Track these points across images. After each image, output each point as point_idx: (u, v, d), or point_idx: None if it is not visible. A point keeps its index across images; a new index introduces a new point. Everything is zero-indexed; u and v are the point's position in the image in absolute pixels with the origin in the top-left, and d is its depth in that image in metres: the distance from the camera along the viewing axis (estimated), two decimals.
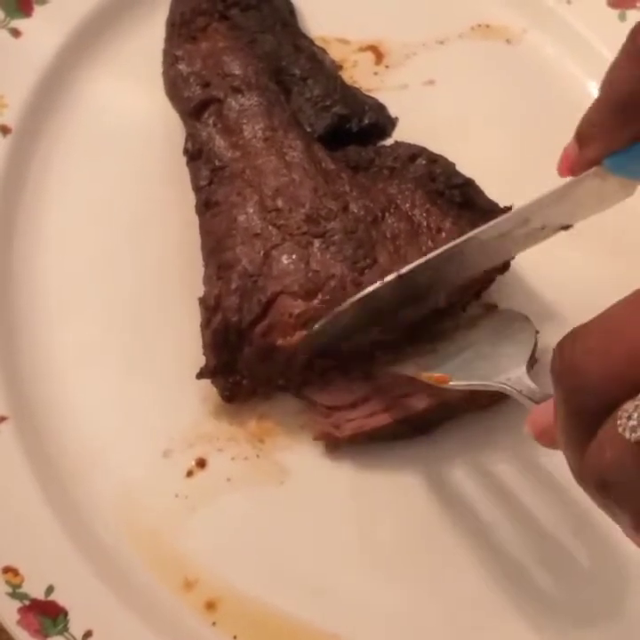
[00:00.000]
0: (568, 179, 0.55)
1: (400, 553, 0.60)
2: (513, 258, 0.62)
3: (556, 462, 0.58)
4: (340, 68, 0.76)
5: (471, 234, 0.56)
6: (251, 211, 0.63)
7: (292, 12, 0.76)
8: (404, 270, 0.57)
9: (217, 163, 0.66)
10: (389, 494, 0.61)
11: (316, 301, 0.59)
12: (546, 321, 0.64)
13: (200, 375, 0.62)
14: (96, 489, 0.60)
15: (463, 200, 0.62)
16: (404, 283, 0.57)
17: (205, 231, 0.65)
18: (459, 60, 0.78)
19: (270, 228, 0.62)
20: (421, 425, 0.62)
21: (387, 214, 0.61)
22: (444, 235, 0.60)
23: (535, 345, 0.55)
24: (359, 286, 0.59)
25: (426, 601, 0.58)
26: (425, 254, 0.59)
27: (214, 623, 0.57)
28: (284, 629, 0.57)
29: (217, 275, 0.62)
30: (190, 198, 0.67)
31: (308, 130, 0.67)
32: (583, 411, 0.35)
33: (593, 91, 0.76)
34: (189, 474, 0.61)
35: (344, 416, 0.61)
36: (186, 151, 0.68)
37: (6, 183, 0.69)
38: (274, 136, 0.65)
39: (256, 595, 0.58)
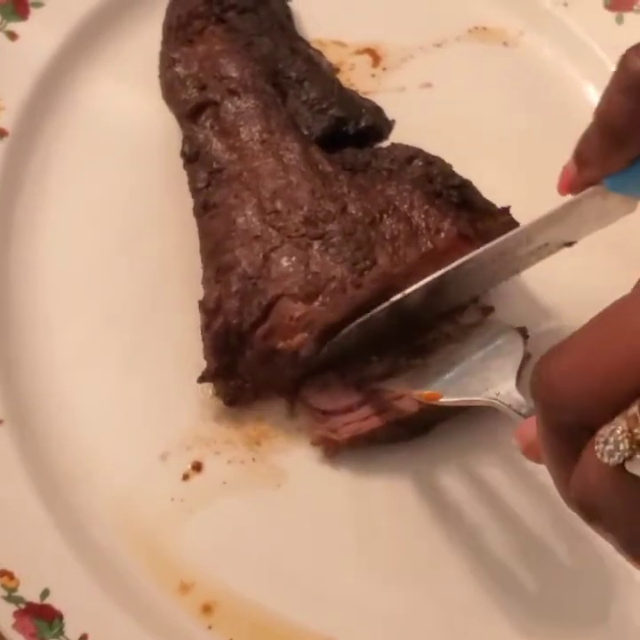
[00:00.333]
0: (569, 197, 0.55)
1: (396, 556, 0.60)
2: (518, 274, 0.62)
3: None
4: (337, 70, 0.75)
5: (474, 253, 0.57)
6: (249, 213, 0.62)
7: (289, 15, 0.76)
8: (403, 294, 0.57)
9: (214, 165, 0.66)
10: (385, 497, 0.61)
11: (316, 303, 0.59)
12: (543, 324, 0.64)
13: (201, 379, 0.62)
14: (92, 492, 0.60)
15: (461, 200, 0.62)
16: (402, 306, 0.58)
17: (204, 233, 0.65)
18: (456, 62, 0.78)
19: (269, 230, 0.61)
20: (417, 426, 0.62)
21: (385, 215, 0.61)
22: (442, 235, 0.60)
23: (523, 358, 0.55)
24: (359, 288, 0.59)
25: (421, 604, 0.58)
26: (424, 255, 0.59)
27: (210, 627, 0.57)
28: (281, 632, 0.57)
29: (216, 277, 0.62)
30: (188, 200, 0.67)
31: (305, 132, 0.67)
32: (562, 428, 0.36)
33: (590, 93, 0.76)
34: (186, 477, 0.61)
35: (340, 420, 0.61)
36: (183, 154, 0.68)
37: (4, 186, 0.69)
38: (271, 138, 0.65)
39: (252, 598, 0.58)
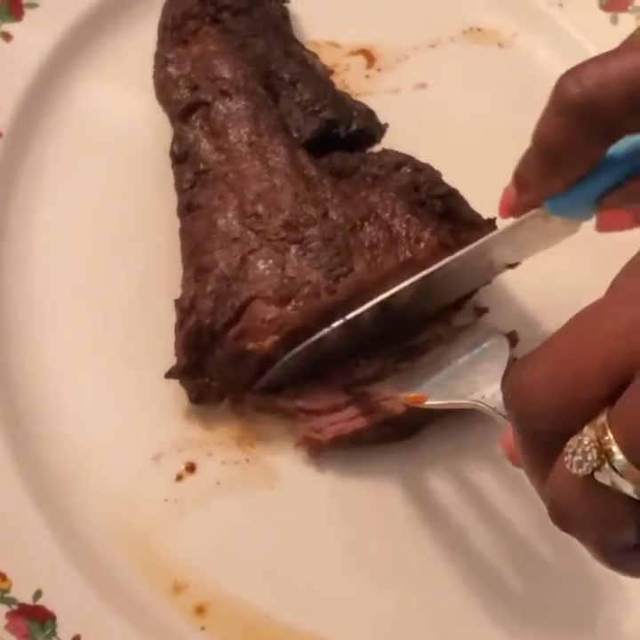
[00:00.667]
0: (511, 220, 0.55)
1: (387, 558, 0.60)
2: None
3: None
4: (332, 72, 0.75)
5: (420, 276, 0.56)
6: (230, 215, 0.63)
7: (285, 16, 0.76)
8: (354, 314, 0.57)
9: (201, 166, 0.66)
10: (377, 499, 0.61)
11: (289, 308, 0.59)
12: (531, 324, 0.64)
13: (169, 374, 0.62)
14: (86, 493, 0.60)
15: (445, 210, 0.62)
16: (385, 308, 0.58)
17: (185, 234, 0.65)
18: (451, 63, 0.78)
19: (248, 232, 0.62)
20: (404, 428, 0.62)
21: (366, 223, 0.61)
22: (422, 245, 0.60)
23: (509, 361, 0.55)
24: (333, 294, 0.59)
25: (412, 605, 0.59)
26: (402, 263, 0.59)
27: (203, 628, 0.57)
28: (273, 634, 0.57)
29: (194, 278, 0.62)
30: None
31: (296, 134, 0.67)
32: (536, 436, 0.36)
33: None
34: (179, 478, 0.61)
35: (325, 420, 0.61)
36: (172, 154, 0.68)
37: None
38: (259, 141, 0.65)
39: (245, 599, 0.58)
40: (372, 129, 0.70)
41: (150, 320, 0.65)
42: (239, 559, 0.59)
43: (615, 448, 0.32)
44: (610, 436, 0.32)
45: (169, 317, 0.64)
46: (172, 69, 0.71)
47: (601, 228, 0.51)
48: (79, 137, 0.72)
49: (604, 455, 0.32)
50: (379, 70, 0.77)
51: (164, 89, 0.71)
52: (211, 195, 0.64)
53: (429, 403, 0.55)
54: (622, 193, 0.48)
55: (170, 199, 0.68)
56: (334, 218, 0.61)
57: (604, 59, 0.45)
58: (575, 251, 0.63)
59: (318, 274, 0.59)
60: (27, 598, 0.56)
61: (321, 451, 0.62)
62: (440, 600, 0.59)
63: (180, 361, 0.61)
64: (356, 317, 0.58)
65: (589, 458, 0.33)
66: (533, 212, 0.52)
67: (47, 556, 0.57)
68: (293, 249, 0.60)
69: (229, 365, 0.60)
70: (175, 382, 0.63)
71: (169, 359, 0.63)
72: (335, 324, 0.58)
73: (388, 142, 0.69)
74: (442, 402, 0.55)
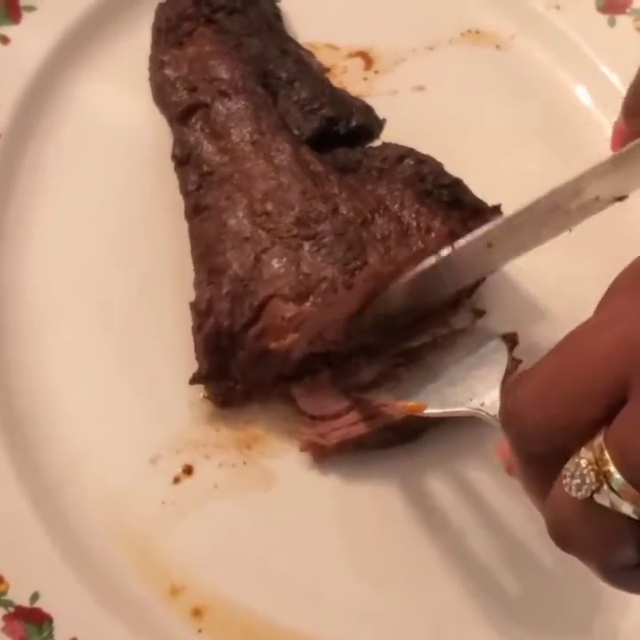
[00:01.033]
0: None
1: (385, 560, 0.60)
2: (570, 230, 0.59)
3: None
4: (328, 70, 0.75)
5: (524, 206, 0.55)
6: (240, 215, 0.62)
7: (277, 15, 0.76)
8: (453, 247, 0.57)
9: (205, 168, 0.65)
10: (375, 502, 0.61)
11: (307, 304, 0.59)
12: (533, 324, 0.64)
13: (193, 380, 0.62)
14: (82, 495, 0.60)
15: (452, 199, 0.62)
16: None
17: (195, 236, 0.65)
18: (448, 65, 0.78)
19: (260, 231, 0.61)
20: (406, 432, 0.61)
21: (376, 215, 0.61)
22: (433, 234, 0.60)
23: (508, 366, 0.55)
24: (350, 288, 0.58)
25: (410, 608, 0.58)
26: (415, 254, 0.59)
27: (200, 630, 0.57)
28: (271, 636, 0.57)
29: (208, 279, 0.61)
30: (179, 203, 0.67)
31: (296, 133, 0.67)
32: (532, 456, 0.36)
33: (582, 96, 0.76)
34: (176, 480, 0.61)
35: (329, 425, 0.61)
36: (174, 156, 0.68)
37: None
38: (261, 140, 0.65)
39: (243, 601, 0.58)
40: (370, 124, 0.69)
41: (150, 321, 0.65)
42: (236, 562, 0.59)
43: (613, 468, 0.33)
44: (607, 456, 0.33)
45: (168, 318, 0.64)
46: (168, 71, 0.71)
47: None
48: (78, 138, 0.72)
49: (603, 477, 0.33)
50: (376, 72, 0.77)
51: (161, 91, 0.71)
52: (217, 196, 0.64)
53: (428, 411, 0.55)
54: None
55: (170, 199, 0.68)
56: (344, 212, 0.61)
57: None
58: (575, 252, 0.63)
59: (333, 269, 0.59)
60: (24, 601, 0.55)
61: (325, 455, 0.61)
62: (439, 603, 0.59)
63: (201, 366, 0.61)
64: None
65: (588, 480, 0.33)
66: None
67: (44, 559, 0.57)
68: (306, 245, 0.60)
69: (252, 366, 0.60)
70: (172, 384, 0.63)
71: (168, 360, 0.63)
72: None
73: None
74: (441, 410, 0.55)
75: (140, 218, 0.69)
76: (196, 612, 0.57)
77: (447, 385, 0.56)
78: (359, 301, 0.59)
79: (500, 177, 0.70)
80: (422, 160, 0.64)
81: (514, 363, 0.59)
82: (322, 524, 0.60)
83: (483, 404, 0.51)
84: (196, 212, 0.65)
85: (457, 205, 0.62)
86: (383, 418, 0.60)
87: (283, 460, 0.62)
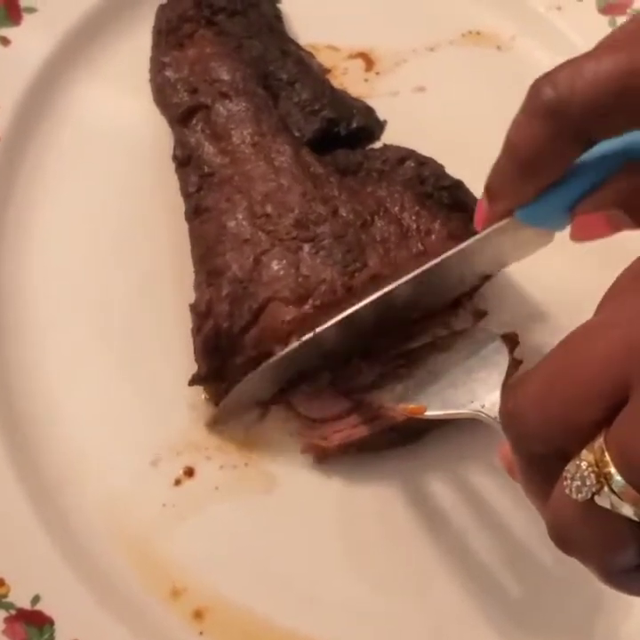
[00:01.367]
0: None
1: (386, 561, 0.60)
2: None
3: None
4: (328, 71, 0.75)
5: (387, 289, 0.55)
6: (240, 217, 0.62)
7: (278, 17, 0.76)
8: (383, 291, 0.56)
9: (206, 169, 0.65)
10: (376, 504, 0.61)
11: (306, 307, 0.59)
12: (534, 324, 0.63)
13: (192, 382, 0.61)
14: (83, 497, 0.60)
15: (452, 202, 0.62)
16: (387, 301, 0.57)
17: (195, 238, 0.65)
18: (449, 66, 0.78)
19: (259, 233, 0.61)
20: (407, 433, 0.61)
21: (376, 217, 0.61)
22: (433, 237, 0.60)
23: (509, 368, 0.54)
24: (350, 290, 0.58)
25: (410, 611, 0.58)
26: (415, 256, 0.59)
27: (201, 633, 0.57)
28: (272, 638, 0.57)
29: (207, 281, 0.61)
30: (179, 204, 0.67)
31: (297, 134, 0.67)
32: (534, 459, 0.36)
33: None
34: (177, 482, 0.61)
35: (330, 427, 0.61)
36: (175, 158, 0.68)
37: None
38: (262, 141, 0.65)
39: (244, 603, 0.58)
40: (371, 126, 0.69)
41: (150, 322, 0.65)
42: (237, 563, 0.59)
43: (613, 470, 0.32)
44: (607, 458, 0.33)
45: (168, 320, 0.64)
46: (169, 73, 0.70)
47: (575, 236, 0.49)
48: (78, 139, 0.72)
49: (603, 478, 0.33)
50: (377, 74, 0.77)
51: (162, 93, 0.71)
52: (218, 197, 0.64)
53: (429, 413, 0.55)
54: (595, 199, 0.47)
55: (170, 201, 0.68)
56: (344, 214, 0.61)
57: (578, 61, 0.44)
58: (575, 252, 0.63)
59: (333, 271, 0.59)
60: (25, 603, 0.55)
61: (326, 457, 0.61)
62: (439, 605, 0.59)
63: (200, 368, 0.61)
64: (353, 315, 0.56)
65: (588, 482, 0.33)
66: (504, 222, 0.51)
67: (45, 561, 0.57)
68: (306, 247, 0.60)
69: (251, 369, 0.60)
70: (173, 385, 0.63)
71: (168, 361, 0.63)
72: (324, 327, 0.56)
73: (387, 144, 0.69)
74: (441, 412, 0.54)
75: (139, 219, 0.69)
76: (197, 614, 0.57)
77: (448, 387, 0.56)
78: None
79: None
80: (423, 162, 0.64)
81: (515, 363, 0.59)
82: (323, 526, 0.60)
83: (483, 406, 0.51)
84: (196, 213, 0.65)
85: (458, 207, 0.62)
86: (385, 419, 0.60)
87: (284, 462, 0.62)
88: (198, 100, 0.68)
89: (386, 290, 0.55)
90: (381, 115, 0.71)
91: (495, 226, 0.51)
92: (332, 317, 0.58)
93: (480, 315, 0.64)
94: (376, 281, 0.59)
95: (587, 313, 0.38)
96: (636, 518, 0.33)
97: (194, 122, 0.67)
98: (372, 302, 0.55)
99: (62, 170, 0.71)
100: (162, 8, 0.75)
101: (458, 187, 0.63)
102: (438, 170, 0.64)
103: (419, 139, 0.68)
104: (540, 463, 0.36)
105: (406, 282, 0.55)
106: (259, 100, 0.67)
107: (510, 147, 0.48)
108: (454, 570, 0.59)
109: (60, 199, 0.70)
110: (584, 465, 0.33)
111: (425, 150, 0.66)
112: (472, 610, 0.58)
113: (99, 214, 0.69)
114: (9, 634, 0.55)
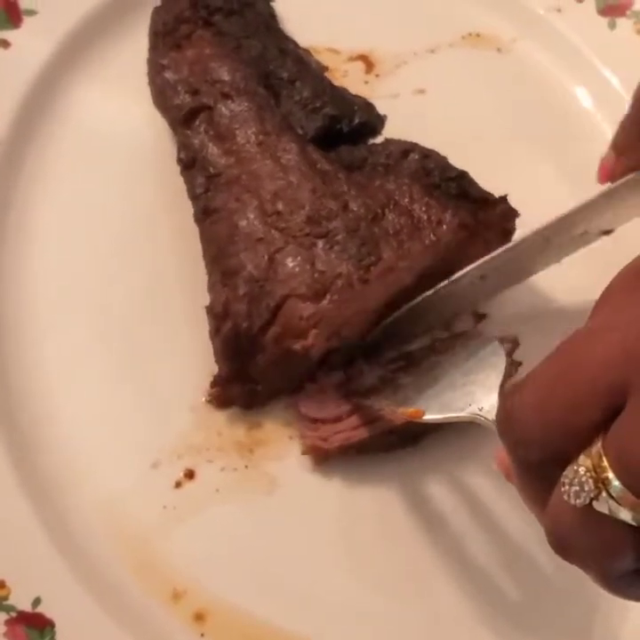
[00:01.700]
0: (607, 185, 0.54)
1: (386, 564, 0.60)
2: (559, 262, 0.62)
3: None
4: (326, 68, 0.75)
5: (515, 241, 0.57)
6: (251, 216, 0.62)
7: (273, 15, 0.76)
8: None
9: (212, 170, 0.65)
10: (377, 506, 0.61)
11: (324, 302, 0.59)
12: (533, 328, 0.63)
13: (214, 383, 0.62)
14: (84, 500, 0.60)
15: (459, 192, 0.62)
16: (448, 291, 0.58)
17: (206, 239, 0.64)
18: (449, 68, 0.78)
19: (272, 231, 0.61)
20: (407, 436, 0.61)
21: (387, 210, 0.61)
22: (445, 227, 0.60)
23: (507, 369, 0.54)
24: (366, 283, 0.58)
25: (410, 612, 0.58)
26: (427, 247, 0.59)
27: (202, 635, 0.57)
28: None
29: (222, 282, 0.61)
30: (182, 205, 0.66)
31: (300, 132, 0.67)
32: (531, 465, 0.36)
33: (583, 98, 0.76)
34: (178, 485, 0.61)
35: (331, 429, 0.61)
36: (179, 160, 0.67)
37: None
38: (267, 140, 0.65)
39: (244, 606, 0.57)
40: (373, 121, 0.69)
41: (151, 324, 0.65)
42: (238, 566, 0.59)
43: (611, 475, 0.32)
44: (605, 463, 0.33)
45: (170, 322, 0.64)
46: (169, 75, 0.70)
47: None
48: (78, 141, 0.72)
49: (601, 483, 0.33)
50: (377, 76, 0.77)
51: (162, 94, 0.70)
52: (226, 198, 0.64)
53: (427, 417, 0.55)
54: None
55: (171, 202, 0.68)
56: (355, 209, 0.61)
57: None
58: (575, 255, 0.63)
59: (348, 265, 0.59)
60: (26, 606, 0.55)
61: (326, 459, 0.61)
62: (439, 607, 0.59)
63: (222, 369, 0.61)
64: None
65: (586, 488, 0.33)
66: (632, 175, 0.51)
67: (46, 564, 0.57)
68: (320, 243, 0.60)
69: (274, 367, 0.60)
70: (174, 388, 0.63)
71: (170, 364, 0.63)
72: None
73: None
74: (439, 416, 0.54)
75: (141, 222, 0.69)
76: (198, 617, 0.57)
77: (446, 390, 0.56)
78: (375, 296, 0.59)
79: (501, 179, 0.70)
80: (427, 154, 0.64)
81: (514, 365, 0.59)
82: (323, 528, 0.60)
83: (481, 409, 0.51)
84: (205, 214, 0.64)
85: (465, 197, 0.62)
86: (384, 422, 0.60)
87: (284, 464, 0.62)
88: (200, 101, 0.68)
89: (511, 244, 0.57)
90: None
91: (621, 180, 0.52)
92: (350, 311, 0.59)
93: (480, 318, 0.65)
94: (391, 273, 0.59)
95: (586, 315, 0.38)
96: (634, 523, 0.33)
97: (197, 123, 0.67)
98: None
99: (62, 172, 0.71)
100: (156, 10, 0.74)
101: (463, 177, 0.63)
102: (442, 161, 0.64)
103: (419, 140, 0.67)
104: (538, 469, 0.36)
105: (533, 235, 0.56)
106: (260, 100, 0.67)
107: (637, 105, 0.48)
108: (453, 571, 0.59)
109: (61, 201, 0.70)
110: (582, 470, 0.33)
111: None
112: (470, 611, 0.58)
113: (99, 216, 0.69)
114: (10, 636, 0.54)
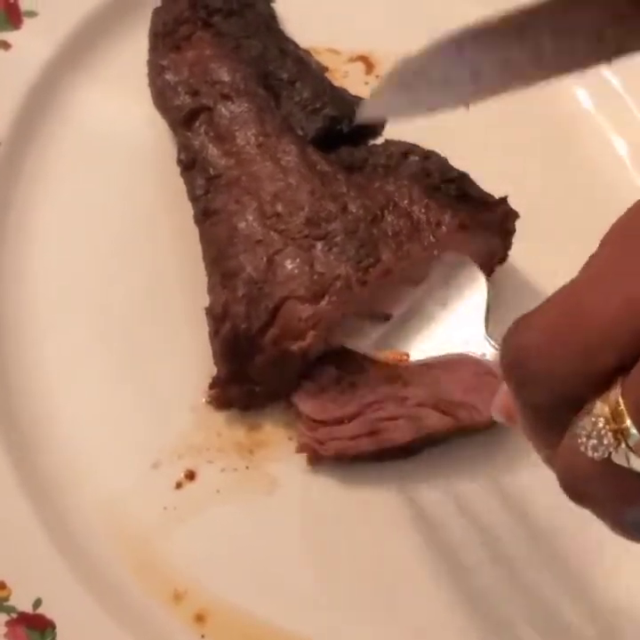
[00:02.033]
0: None
1: (387, 565, 0.60)
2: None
3: (536, 490, 0.59)
4: (326, 69, 0.75)
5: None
6: (250, 217, 0.62)
7: (273, 16, 0.76)
8: None
9: (212, 171, 0.65)
10: (377, 507, 0.61)
11: (323, 303, 0.59)
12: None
13: (212, 385, 0.62)
14: (84, 501, 0.60)
15: (459, 193, 0.62)
16: None
17: (206, 240, 0.64)
18: None
19: (271, 233, 0.61)
20: (406, 450, 0.62)
21: (386, 212, 0.61)
22: (444, 228, 0.60)
23: (489, 297, 0.52)
24: (365, 285, 0.58)
25: (412, 613, 0.58)
26: (427, 249, 0.59)
27: (203, 636, 0.57)
28: None
29: (222, 283, 0.61)
30: (182, 207, 0.66)
31: (300, 133, 0.66)
32: (538, 405, 0.34)
33: (583, 98, 0.76)
34: (178, 485, 0.61)
35: (329, 432, 0.61)
36: (179, 161, 0.67)
37: None
38: (267, 141, 0.65)
39: (245, 606, 0.57)
40: (373, 122, 0.69)
41: (151, 324, 0.65)
42: (239, 566, 0.59)
43: (630, 423, 0.31)
44: (623, 409, 0.31)
45: (170, 322, 0.64)
46: (169, 76, 0.70)
47: None
48: (77, 144, 0.72)
49: (620, 434, 0.31)
50: (378, 77, 0.77)
51: (162, 96, 0.70)
52: (226, 199, 0.63)
53: (413, 360, 0.54)
54: None
55: (171, 203, 0.68)
56: (354, 210, 0.61)
57: None
58: (574, 251, 0.63)
59: (347, 267, 0.59)
60: (26, 607, 0.55)
61: (319, 461, 0.61)
62: (438, 609, 0.58)
63: (220, 370, 0.61)
64: None
65: (605, 441, 0.31)
66: None
67: (46, 565, 0.57)
68: (319, 245, 0.60)
69: (272, 368, 0.60)
70: (174, 388, 0.63)
71: (170, 364, 0.63)
72: None
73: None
74: (426, 356, 0.53)
75: (141, 222, 0.69)
76: (199, 618, 0.57)
77: (428, 325, 0.54)
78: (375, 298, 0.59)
79: (501, 179, 0.70)
80: (427, 155, 0.64)
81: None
82: (323, 529, 0.60)
83: (467, 343, 0.50)
84: (205, 216, 0.64)
85: (465, 199, 0.62)
86: (383, 439, 0.60)
87: (285, 465, 0.62)
88: (200, 103, 0.68)
89: None
90: None
91: None
92: (348, 312, 0.59)
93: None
94: (390, 275, 0.59)
95: None
96: None
97: (197, 124, 0.67)
98: None
99: (63, 173, 0.71)
100: (156, 11, 0.74)
101: (463, 178, 0.63)
102: (443, 163, 0.64)
103: (419, 141, 0.67)
104: (548, 412, 0.34)
105: None
106: (261, 101, 0.67)
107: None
108: (451, 576, 0.59)
109: (61, 202, 0.70)
110: (601, 422, 0.31)
111: None
112: (467, 617, 0.58)
113: (99, 217, 0.69)
114: (10, 637, 0.54)
